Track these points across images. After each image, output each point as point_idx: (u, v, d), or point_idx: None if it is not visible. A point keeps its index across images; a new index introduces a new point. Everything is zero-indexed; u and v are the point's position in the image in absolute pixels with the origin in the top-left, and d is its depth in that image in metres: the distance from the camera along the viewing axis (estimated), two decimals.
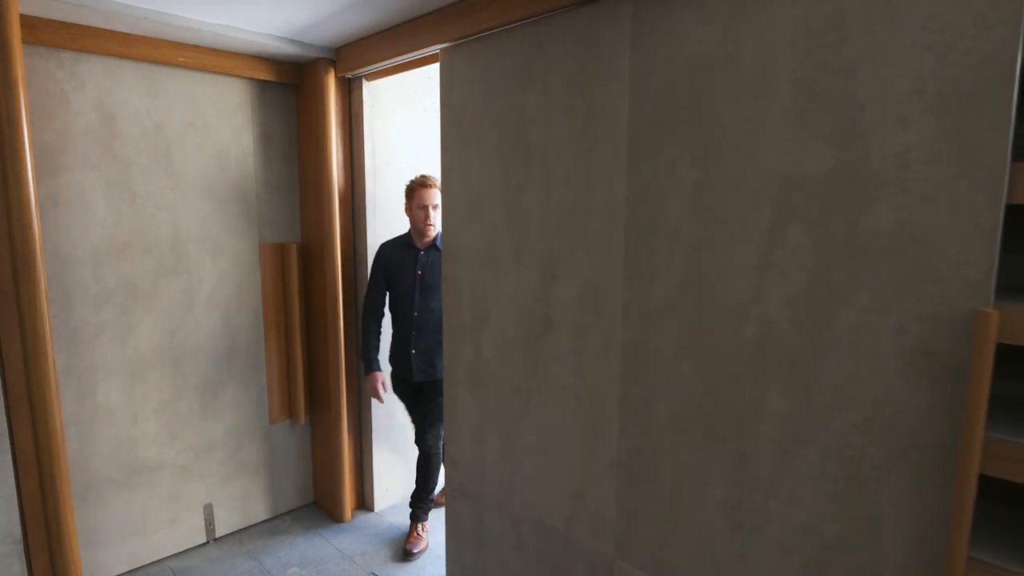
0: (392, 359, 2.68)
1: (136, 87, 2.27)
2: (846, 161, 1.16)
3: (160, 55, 2.25)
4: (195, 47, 2.33)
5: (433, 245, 2.61)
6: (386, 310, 2.71)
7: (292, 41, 2.44)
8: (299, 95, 2.74)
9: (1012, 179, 1.00)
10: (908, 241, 1.10)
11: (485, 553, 2.10)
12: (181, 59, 2.31)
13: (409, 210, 2.59)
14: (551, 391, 1.80)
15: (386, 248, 2.64)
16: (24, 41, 1.87)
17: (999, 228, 1.01)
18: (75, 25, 2.03)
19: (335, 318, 2.71)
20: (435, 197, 2.55)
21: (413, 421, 2.73)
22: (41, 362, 1.91)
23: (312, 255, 2.79)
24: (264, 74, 2.56)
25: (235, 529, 2.78)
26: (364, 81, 2.69)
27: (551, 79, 1.69)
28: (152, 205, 2.36)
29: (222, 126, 2.54)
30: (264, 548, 2.64)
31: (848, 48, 1.15)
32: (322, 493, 3.00)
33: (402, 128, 2.88)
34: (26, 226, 1.85)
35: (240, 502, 2.77)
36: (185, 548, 2.62)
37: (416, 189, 2.54)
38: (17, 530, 1.88)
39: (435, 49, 2.08)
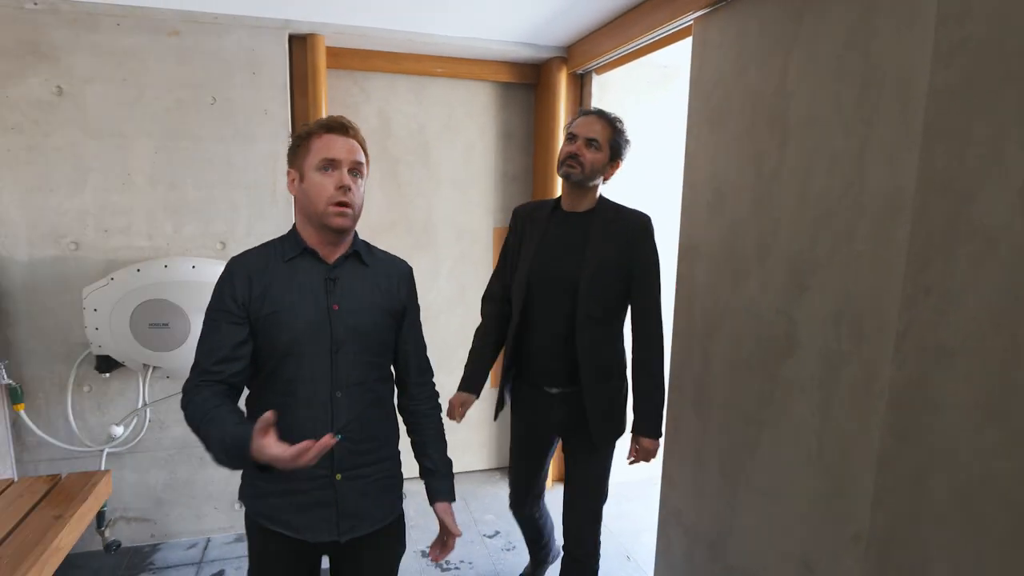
0: (268, 493, 1.25)
1: (406, 96, 2.80)
2: None
3: (422, 68, 2.72)
4: (449, 58, 2.75)
5: (352, 252, 1.26)
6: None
7: (528, 44, 2.67)
8: (536, 93, 2.98)
9: None
10: None
11: None
12: (439, 70, 2.75)
13: (296, 180, 1.21)
14: (787, 427, 1.51)
15: (243, 269, 1.20)
16: (328, 66, 2.50)
17: None
18: (363, 50, 2.61)
19: None
20: (356, 153, 1.21)
21: None
22: None
23: None
24: (505, 77, 2.86)
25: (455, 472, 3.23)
26: (594, 75, 2.78)
27: (822, 35, 1.39)
28: (412, 193, 2.89)
29: (470, 125, 2.93)
30: (472, 493, 3.03)
31: None
32: None
33: (632, 118, 2.86)
34: None
35: (460, 451, 3.21)
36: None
37: (314, 137, 1.20)
38: None
39: (688, 20, 1.90)
